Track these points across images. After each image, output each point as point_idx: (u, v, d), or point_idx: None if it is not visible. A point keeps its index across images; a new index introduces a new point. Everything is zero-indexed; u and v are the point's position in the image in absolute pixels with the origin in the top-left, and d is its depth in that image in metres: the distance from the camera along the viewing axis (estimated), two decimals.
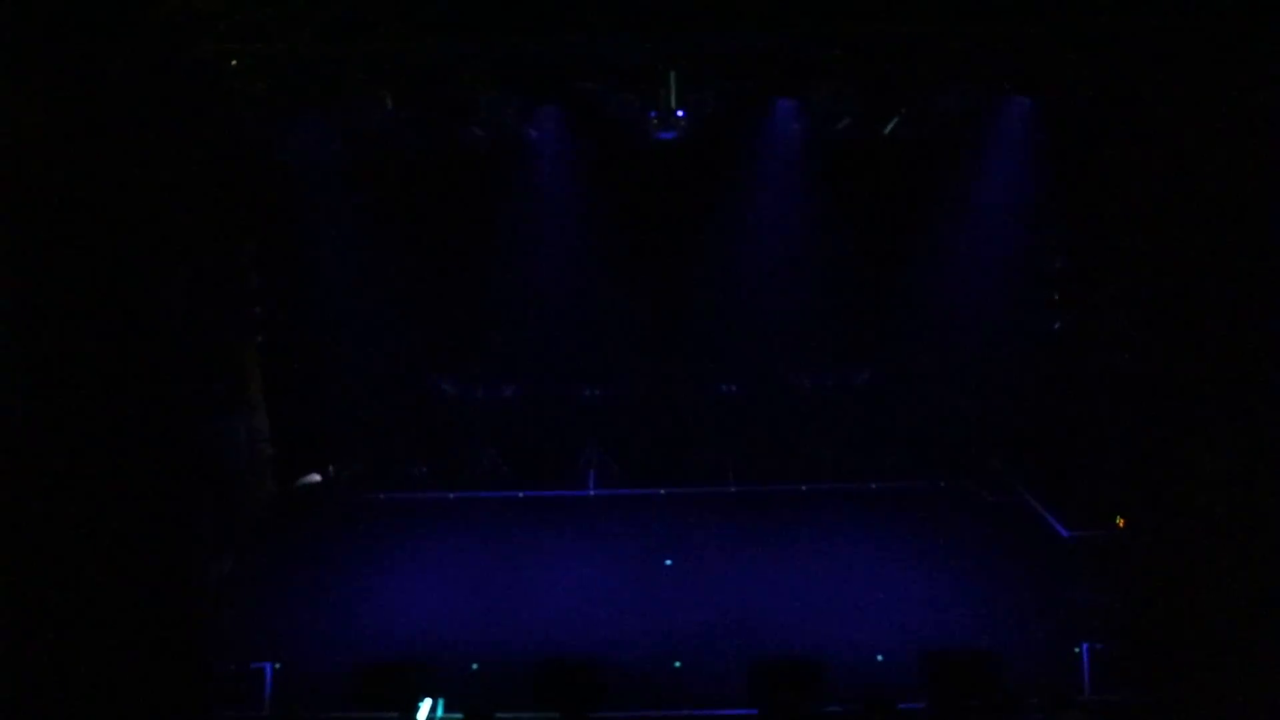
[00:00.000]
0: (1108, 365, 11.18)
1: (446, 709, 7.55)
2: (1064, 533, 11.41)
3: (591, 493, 12.98)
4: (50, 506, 8.18)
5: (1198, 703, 8.13)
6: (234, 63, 9.49)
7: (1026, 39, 9.34)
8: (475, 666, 8.96)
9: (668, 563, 11.04)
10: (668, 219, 13.02)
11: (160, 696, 8.24)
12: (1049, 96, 10.78)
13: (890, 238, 12.95)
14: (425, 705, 7.49)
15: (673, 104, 10.32)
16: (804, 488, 12.93)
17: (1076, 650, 8.65)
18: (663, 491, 12.92)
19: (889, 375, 13.59)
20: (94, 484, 8.54)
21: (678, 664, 9.07)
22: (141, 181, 9.15)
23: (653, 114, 10.45)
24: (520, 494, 12.93)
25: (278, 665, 8.56)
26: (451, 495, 12.94)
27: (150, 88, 9.13)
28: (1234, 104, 8.49)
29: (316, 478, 12.96)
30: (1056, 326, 12.34)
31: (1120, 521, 10.54)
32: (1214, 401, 9.00)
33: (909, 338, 13.33)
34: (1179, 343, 9.54)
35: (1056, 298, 12.39)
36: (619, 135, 11.46)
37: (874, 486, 12.94)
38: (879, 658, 9.05)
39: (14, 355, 8.15)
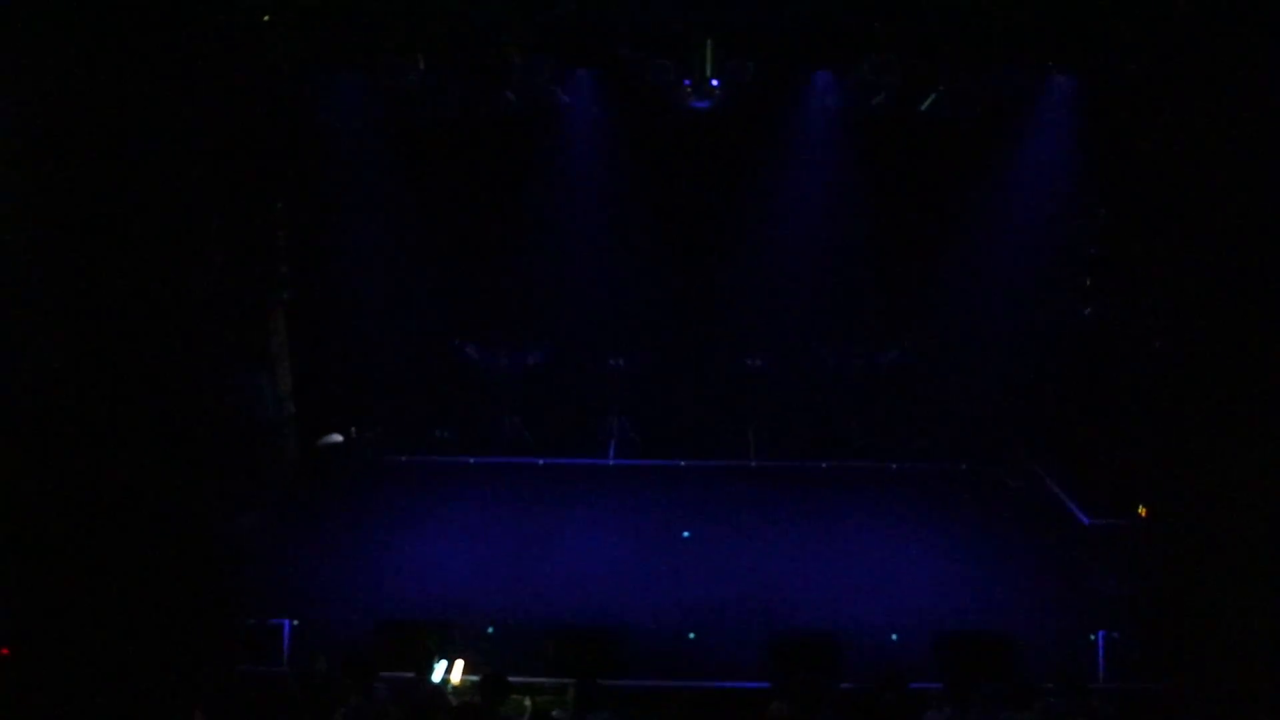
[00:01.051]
0: (1136, 353, 11.04)
1: (467, 671, 7.59)
2: (1085, 520, 11.33)
3: (612, 462, 12.99)
4: (76, 461, 8.29)
5: (1214, 694, 8.08)
6: (266, 19, 9.46)
7: (1070, 16, 9.17)
8: (490, 630, 9.03)
9: (686, 535, 11.05)
10: (699, 189, 12.90)
11: (183, 648, 8.36)
12: (1092, 76, 10.58)
13: (923, 217, 12.79)
14: (441, 665, 7.54)
15: (708, 73, 10.21)
16: (825, 465, 12.89)
17: (1093, 637, 8.60)
18: (683, 463, 12.91)
19: (916, 356, 13.48)
20: (121, 438, 8.64)
21: (692, 635, 9.10)
22: (175, 137, 9.19)
23: (687, 82, 10.34)
24: (541, 461, 12.96)
25: (295, 622, 8.65)
26: (472, 460, 12.99)
27: (186, 45, 9.14)
28: None
29: (338, 438, 13.03)
30: (1087, 312, 12.17)
31: (1143, 511, 10.44)
32: (1241, 393, 8.87)
33: (938, 319, 13.20)
34: (1210, 333, 9.40)
35: (1089, 283, 12.22)
36: (652, 103, 11.35)
37: (895, 467, 12.88)
38: (894, 637, 9.04)
39: (47, 310, 8.23)
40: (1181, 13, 8.67)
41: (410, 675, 7.50)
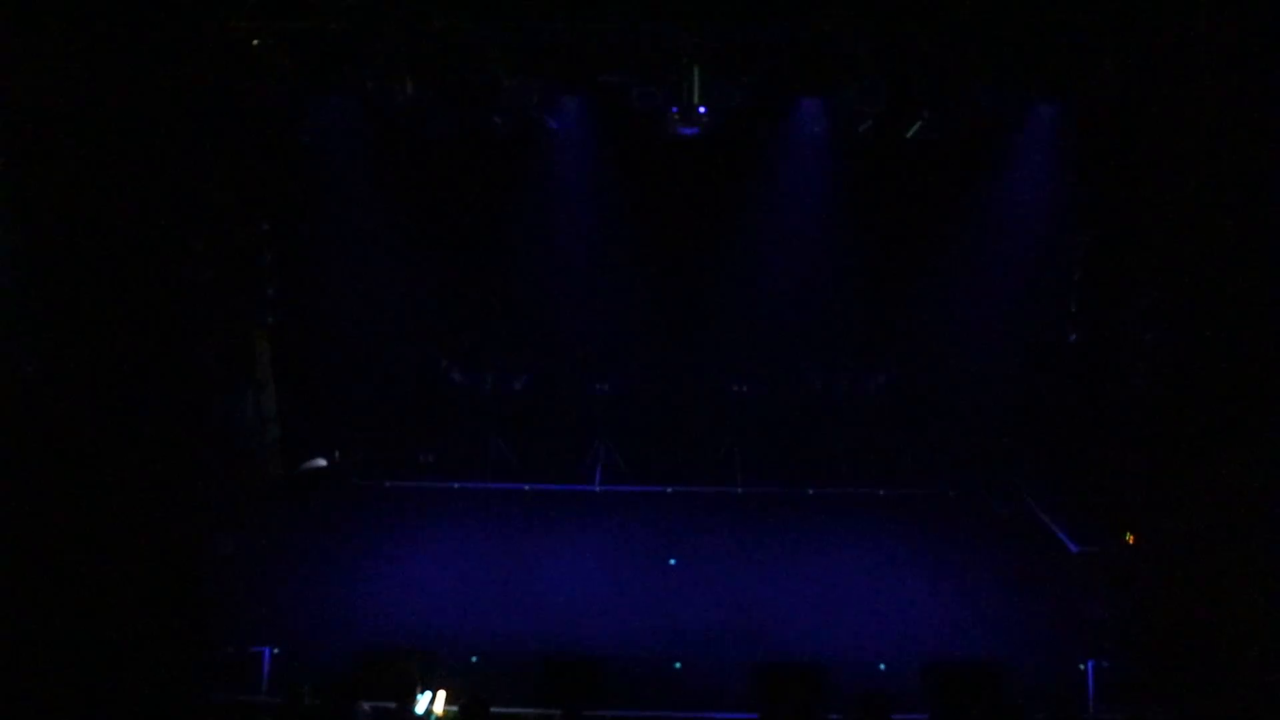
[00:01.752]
0: (1123, 379, 11.06)
1: (450, 700, 7.49)
2: (1073, 547, 11.31)
3: (598, 488, 12.92)
4: (54, 482, 8.17)
5: None
6: (255, 42, 9.46)
7: (1054, 42, 9.24)
8: (475, 659, 8.92)
9: (672, 562, 10.97)
10: (686, 215, 12.93)
11: (159, 676, 8.22)
12: (1075, 103, 10.66)
13: (910, 242, 12.85)
14: (425, 697, 7.43)
15: (695, 99, 10.23)
16: (811, 491, 12.85)
17: (1082, 666, 8.55)
18: (669, 490, 12.85)
19: (903, 381, 13.49)
20: (100, 460, 8.53)
21: (678, 664, 9.01)
22: (159, 157, 9.14)
23: (675, 109, 10.37)
24: (526, 487, 12.88)
25: (276, 650, 8.53)
26: (457, 485, 12.90)
27: (171, 65, 9.12)
28: (1268, 114, 8.36)
29: (322, 462, 12.93)
30: (1073, 339, 12.21)
31: (1130, 538, 10.42)
32: (1229, 417, 8.89)
33: (924, 344, 13.24)
34: (1197, 358, 9.43)
35: (1074, 309, 12.27)
36: (640, 129, 11.38)
37: (882, 493, 12.85)
38: (881, 666, 8.97)
39: (24, 326, 8.14)
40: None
41: (392, 705, 7.38)
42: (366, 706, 7.00)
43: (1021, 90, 10.53)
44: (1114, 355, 11.32)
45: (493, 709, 7.06)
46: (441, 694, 7.56)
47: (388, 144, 12.21)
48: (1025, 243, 12.26)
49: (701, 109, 10.29)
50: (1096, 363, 11.75)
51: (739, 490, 12.86)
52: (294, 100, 11.01)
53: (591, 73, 10.36)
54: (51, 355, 8.30)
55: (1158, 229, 10.25)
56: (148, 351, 9.03)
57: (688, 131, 10.57)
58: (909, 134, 11.07)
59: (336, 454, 13.08)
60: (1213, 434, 9.09)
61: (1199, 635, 8.68)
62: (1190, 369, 9.50)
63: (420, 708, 7.42)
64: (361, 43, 9.69)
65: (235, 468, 11.54)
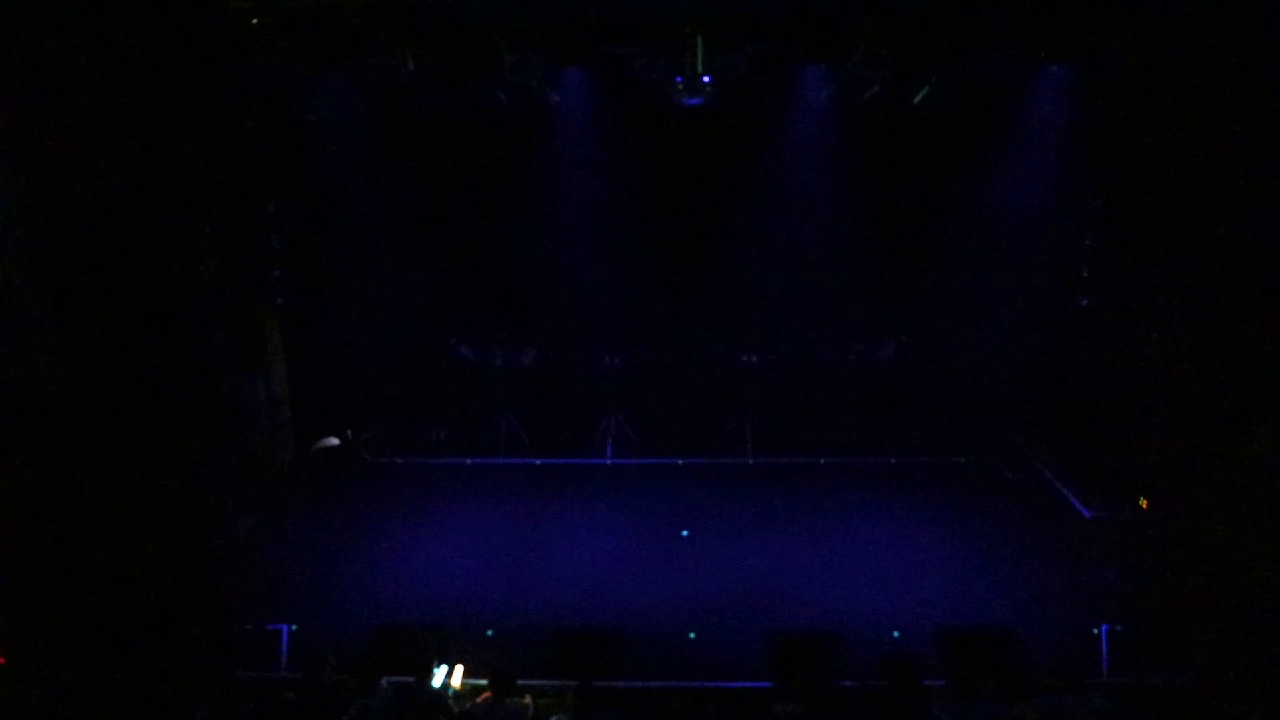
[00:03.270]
0: (1134, 344, 11.00)
1: (466, 675, 7.55)
2: (1086, 513, 11.30)
3: (609, 461, 12.95)
4: (70, 468, 8.23)
5: (1217, 686, 8.06)
6: (255, 21, 9.41)
7: (1061, 5, 9.12)
8: (490, 633, 8.99)
9: (685, 534, 11.01)
10: (692, 186, 12.86)
11: (180, 655, 8.31)
12: (1085, 66, 10.52)
13: (918, 210, 12.76)
14: (441, 670, 7.50)
15: (699, 69, 10.15)
16: (823, 461, 12.85)
17: (1095, 631, 8.57)
18: (680, 462, 12.87)
19: (913, 350, 13.45)
20: (115, 443, 8.60)
21: (693, 635, 9.06)
22: (163, 141, 9.12)
23: (679, 79, 10.29)
24: (538, 461, 12.92)
25: (294, 627, 8.61)
26: (469, 461, 12.94)
27: (172, 46, 9.08)
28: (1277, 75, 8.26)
29: (334, 441, 12.99)
30: (1084, 304, 12.14)
31: (1143, 503, 10.41)
32: (1241, 383, 8.85)
33: (934, 313, 13.18)
34: (1208, 323, 9.37)
35: (1085, 274, 12.19)
36: (644, 100, 11.28)
37: (894, 462, 12.84)
38: (895, 634, 9.01)
39: (36, 314, 8.17)
40: None
41: (410, 680, 7.46)
42: (385, 682, 7.07)
43: (1029, 53, 10.39)
44: (1126, 320, 11.26)
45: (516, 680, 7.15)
46: (459, 668, 7.63)
47: (391, 122, 12.14)
48: (1036, 208, 12.14)
49: (706, 78, 10.21)
50: (1109, 328, 11.69)
51: (750, 461, 12.88)
52: (297, 80, 10.95)
53: (594, 44, 10.27)
54: (63, 342, 8.35)
55: (1170, 193, 10.16)
56: (157, 335, 9.07)
57: (692, 102, 10.49)
58: (915, 100, 10.98)
59: (348, 433, 13.14)
60: (1226, 399, 9.05)
61: (1211, 600, 8.68)
62: (1203, 334, 9.45)
63: (437, 681, 7.49)
64: (361, 20, 9.63)
65: (248, 449, 11.61)
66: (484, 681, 7.37)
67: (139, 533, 8.60)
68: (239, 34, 9.63)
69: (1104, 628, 8.52)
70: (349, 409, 13.25)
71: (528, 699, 7.31)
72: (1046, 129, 11.58)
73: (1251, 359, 8.73)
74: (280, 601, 9.32)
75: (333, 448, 12.96)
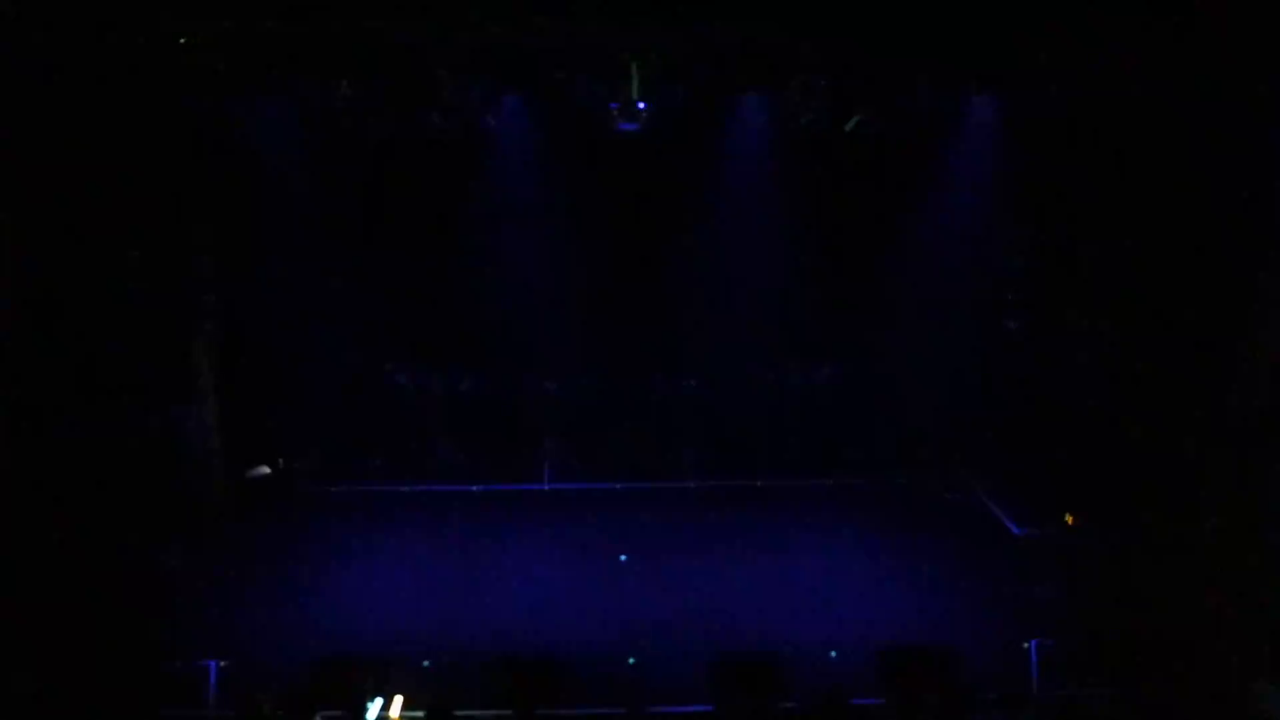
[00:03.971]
0: (1061, 364, 11.31)
1: (405, 706, 7.42)
2: (1015, 530, 11.54)
3: (548, 487, 12.88)
4: None
5: (1147, 698, 8.25)
6: (181, 41, 9.26)
7: (989, 38, 9.40)
8: (426, 664, 8.84)
9: (623, 558, 10.98)
10: (630, 211, 12.93)
11: (107, 692, 8.04)
12: (1012, 96, 10.86)
13: (854, 235, 12.98)
14: (376, 703, 7.37)
15: (635, 95, 10.25)
16: (761, 483, 12.94)
17: (1025, 646, 8.73)
18: (619, 486, 12.86)
19: (850, 372, 13.65)
20: (41, 475, 8.33)
21: (632, 660, 9.03)
22: (92, 163, 8.93)
23: (614, 105, 10.38)
24: (475, 488, 12.80)
25: (223, 663, 8.37)
26: (406, 488, 12.78)
27: (102, 67, 8.91)
28: (1202, 103, 8.58)
29: (267, 470, 12.73)
30: (1012, 326, 12.46)
31: (1069, 519, 10.67)
32: (1168, 400, 9.12)
33: (870, 334, 13.39)
34: (1134, 342, 9.66)
35: (1011, 297, 12.52)
36: (581, 126, 11.35)
37: (832, 483, 12.98)
38: (833, 654, 9.07)
39: None
40: None
41: (347, 714, 7.30)
42: (319, 719, 6.92)
43: (959, 83, 10.71)
44: (1052, 342, 11.57)
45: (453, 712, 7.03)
46: (398, 699, 7.50)
47: (327, 145, 12.02)
48: (966, 233, 12.45)
49: (641, 105, 10.31)
50: (1037, 350, 12.00)
51: (690, 484, 12.92)
52: (229, 102, 10.80)
53: (532, 71, 10.33)
54: None
55: (1094, 218, 10.49)
56: (86, 364, 8.83)
57: (628, 127, 10.58)
58: (847, 128, 11.21)
59: (281, 461, 12.88)
60: (1150, 414, 9.33)
61: (1139, 612, 8.90)
62: (1126, 354, 9.75)
63: (373, 714, 7.35)
64: (294, 43, 9.54)
65: (179, 479, 11.32)
66: (420, 714, 7.24)
67: (63, 564, 8.33)
68: (169, 56, 9.47)
69: (1034, 643, 8.68)
70: (282, 436, 13.00)
71: None
72: (976, 157, 11.91)
73: (1175, 375, 9.02)
74: (210, 636, 9.05)
75: (265, 476, 12.69)
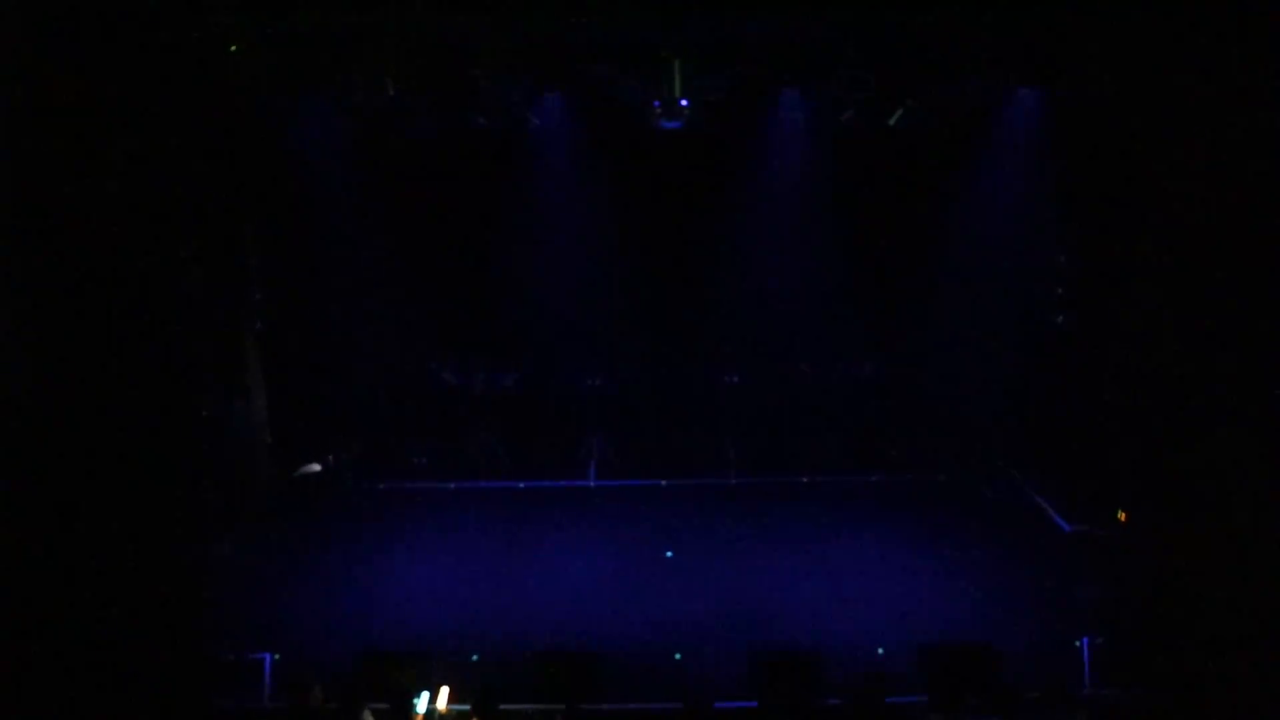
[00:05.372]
0: (1112, 360, 11.12)
1: (452, 700, 7.50)
2: (1065, 527, 11.39)
3: (592, 483, 12.94)
4: (49, 493, 8.14)
5: (1198, 699, 8.11)
6: (233, 48, 9.43)
7: (1036, 29, 9.28)
8: (475, 658, 8.94)
9: (669, 554, 11.00)
10: (672, 208, 12.97)
11: (158, 685, 8.21)
12: (1059, 88, 10.70)
13: (897, 229, 12.89)
14: (425, 696, 7.45)
15: (677, 93, 10.26)
16: (805, 480, 12.90)
17: (1077, 644, 8.62)
18: (664, 483, 12.88)
19: (893, 368, 13.55)
20: (93, 470, 8.50)
21: (678, 655, 9.05)
22: (141, 164, 9.09)
23: (657, 103, 10.39)
24: (521, 484, 12.90)
25: (277, 656, 8.52)
26: (451, 485, 12.90)
27: (150, 69, 9.07)
28: (1247, 98, 8.41)
29: (316, 467, 12.92)
30: (1060, 320, 12.28)
31: (1122, 516, 10.50)
32: (1217, 397, 8.95)
33: (914, 330, 13.30)
34: (1184, 339, 9.48)
35: (1061, 292, 12.33)
36: (623, 124, 11.39)
37: (875, 479, 12.90)
38: (879, 651, 9.03)
39: (14, 336, 8.11)
40: None
41: (394, 706, 7.40)
42: (367, 712, 7.02)
43: (1004, 77, 10.57)
44: (1103, 337, 11.39)
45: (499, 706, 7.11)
46: (444, 691, 7.58)
47: (372, 145, 12.19)
48: (1013, 227, 12.30)
49: (683, 102, 10.31)
50: (1086, 344, 11.82)
51: (733, 481, 12.91)
52: (276, 103, 10.97)
53: (573, 68, 10.37)
54: (41, 365, 8.27)
55: (1143, 212, 10.30)
56: (137, 359, 9.00)
57: (670, 125, 10.59)
58: (891, 121, 11.11)
59: (330, 458, 13.08)
60: (1202, 411, 9.15)
61: (1191, 612, 8.75)
62: (1178, 350, 9.56)
63: (422, 707, 7.43)
64: (339, 44, 9.67)
65: (229, 475, 11.52)
66: (468, 707, 7.32)
67: (116, 555, 8.49)
68: (218, 59, 9.64)
69: (1085, 641, 8.57)
70: (330, 434, 13.18)
71: None
72: (1021, 149, 11.75)
73: (1228, 371, 8.84)
74: (261, 628, 9.22)
75: (315, 473, 12.88)
